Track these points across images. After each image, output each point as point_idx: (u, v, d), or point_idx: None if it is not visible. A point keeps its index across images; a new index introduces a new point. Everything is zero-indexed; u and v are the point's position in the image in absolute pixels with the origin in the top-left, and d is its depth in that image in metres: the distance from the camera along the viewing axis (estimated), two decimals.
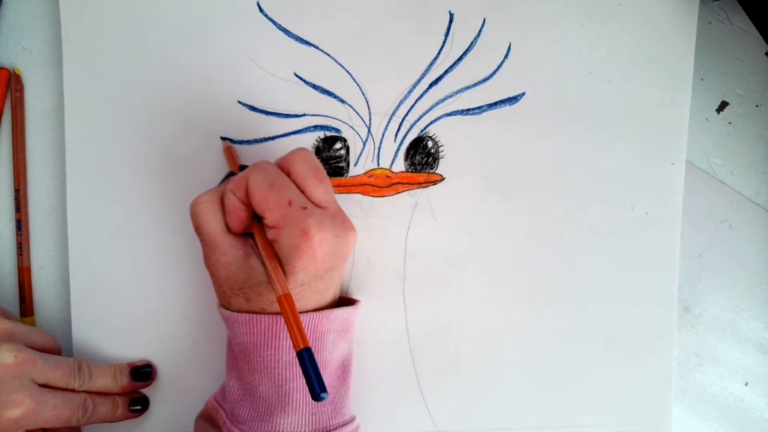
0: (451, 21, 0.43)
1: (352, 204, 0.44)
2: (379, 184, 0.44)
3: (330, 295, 0.38)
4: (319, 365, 0.35)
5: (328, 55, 0.43)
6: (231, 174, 0.40)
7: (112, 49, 0.42)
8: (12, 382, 0.36)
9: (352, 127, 0.43)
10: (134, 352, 0.44)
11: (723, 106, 0.47)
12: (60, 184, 0.43)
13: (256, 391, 0.36)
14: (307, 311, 0.36)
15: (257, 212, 0.36)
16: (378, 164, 0.44)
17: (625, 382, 0.45)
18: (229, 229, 0.36)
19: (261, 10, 0.42)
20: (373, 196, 0.44)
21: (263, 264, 0.35)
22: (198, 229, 0.37)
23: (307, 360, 0.29)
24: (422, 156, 0.44)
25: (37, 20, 0.43)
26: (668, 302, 0.45)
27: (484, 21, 0.43)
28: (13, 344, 0.37)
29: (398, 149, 0.44)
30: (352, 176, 0.44)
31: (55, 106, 0.43)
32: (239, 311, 0.36)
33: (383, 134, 0.43)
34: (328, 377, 0.37)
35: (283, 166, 0.36)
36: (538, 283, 0.45)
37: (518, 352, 0.45)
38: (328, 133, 0.43)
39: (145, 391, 0.43)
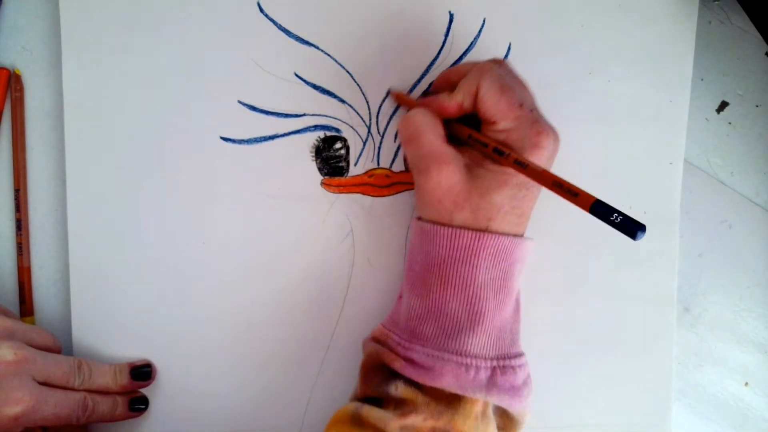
0: (451, 21, 0.43)
1: (352, 204, 0.44)
2: (380, 184, 0.44)
3: (522, 227, 0.37)
4: (506, 291, 0.36)
5: (329, 55, 0.43)
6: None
7: (112, 49, 0.42)
8: (12, 380, 0.36)
9: (352, 126, 0.43)
10: (134, 352, 0.43)
11: (723, 106, 0.47)
12: (60, 184, 0.43)
13: (445, 308, 0.36)
14: (506, 234, 0.36)
15: (486, 117, 0.36)
16: (378, 164, 0.44)
17: (625, 382, 0.45)
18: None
19: (261, 10, 0.42)
20: (373, 196, 0.44)
21: (499, 160, 0.35)
22: (416, 140, 0.36)
23: (604, 207, 0.30)
24: None
25: (37, 20, 0.43)
26: (668, 302, 0.45)
27: (484, 21, 0.43)
28: (14, 342, 0.37)
29: (398, 149, 0.44)
30: (353, 176, 0.44)
31: (55, 106, 0.43)
32: (463, 226, 0.36)
33: (383, 134, 0.44)
34: (510, 305, 0.37)
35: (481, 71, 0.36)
36: (537, 283, 0.45)
37: None
38: (328, 133, 0.43)
39: (145, 391, 0.43)
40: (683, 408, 0.47)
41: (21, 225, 0.43)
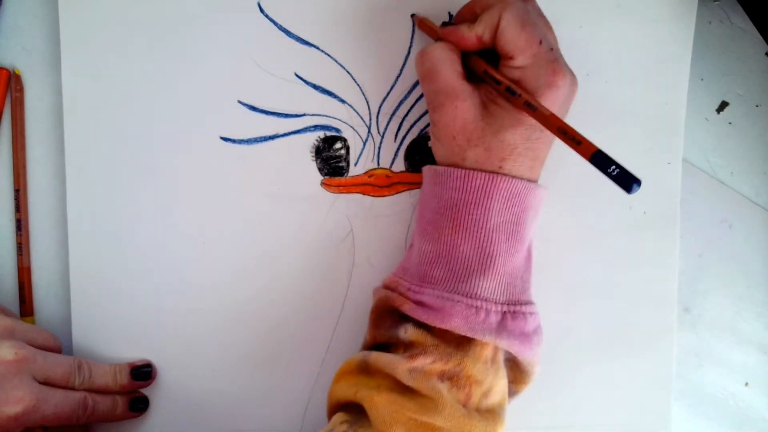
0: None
1: (352, 204, 0.44)
2: (380, 184, 0.44)
3: (536, 172, 0.37)
4: (518, 237, 0.36)
5: (329, 55, 0.43)
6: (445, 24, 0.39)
7: (112, 48, 0.42)
8: (12, 379, 0.36)
9: (352, 126, 0.43)
10: (134, 352, 0.43)
11: (723, 106, 0.47)
12: (60, 184, 0.43)
13: (456, 251, 0.35)
14: (519, 178, 0.36)
15: (504, 52, 0.35)
16: (378, 164, 0.44)
17: (625, 382, 0.45)
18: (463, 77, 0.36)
19: (261, 10, 0.42)
20: (373, 196, 0.44)
21: (510, 99, 0.35)
22: (432, 76, 0.36)
23: (604, 158, 0.30)
24: (422, 155, 0.44)
25: (37, 20, 0.43)
26: (668, 302, 0.45)
27: None
28: (14, 341, 0.37)
29: (398, 149, 0.44)
30: (353, 176, 0.44)
31: (55, 106, 0.43)
32: (474, 167, 0.35)
33: (383, 134, 0.44)
34: (522, 253, 0.37)
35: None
36: (537, 283, 0.44)
37: None
38: (329, 133, 0.43)
39: (145, 391, 0.43)
40: (683, 408, 0.47)
41: (21, 225, 0.43)
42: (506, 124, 0.35)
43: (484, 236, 0.35)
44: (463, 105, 0.35)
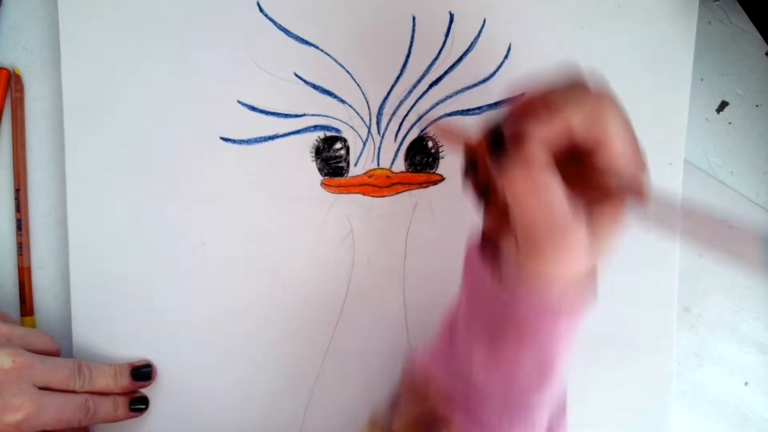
0: (451, 21, 0.43)
1: (352, 204, 0.44)
2: (380, 184, 0.44)
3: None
4: (570, 345, 0.31)
5: (329, 55, 0.43)
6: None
7: (112, 49, 0.42)
8: (11, 387, 0.35)
9: (352, 127, 0.43)
10: (134, 352, 0.43)
11: (723, 106, 0.47)
12: (60, 184, 0.43)
13: (517, 374, 0.31)
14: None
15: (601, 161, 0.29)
16: (378, 164, 0.44)
17: (625, 382, 0.45)
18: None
19: (261, 10, 0.42)
20: (373, 196, 0.44)
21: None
22: (541, 193, 0.29)
23: None
24: (422, 156, 0.44)
25: (37, 20, 0.43)
26: (668, 302, 0.45)
27: (484, 21, 0.43)
28: (11, 348, 0.37)
29: (398, 149, 0.44)
30: (352, 176, 0.44)
31: (55, 106, 0.43)
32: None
33: (383, 134, 0.44)
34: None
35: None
36: None
37: None
38: (328, 133, 0.43)
39: (145, 391, 0.43)
40: (683, 408, 0.47)
41: (21, 225, 0.43)
42: (608, 221, 0.32)
43: (548, 350, 0.31)
44: (546, 193, 0.28)
